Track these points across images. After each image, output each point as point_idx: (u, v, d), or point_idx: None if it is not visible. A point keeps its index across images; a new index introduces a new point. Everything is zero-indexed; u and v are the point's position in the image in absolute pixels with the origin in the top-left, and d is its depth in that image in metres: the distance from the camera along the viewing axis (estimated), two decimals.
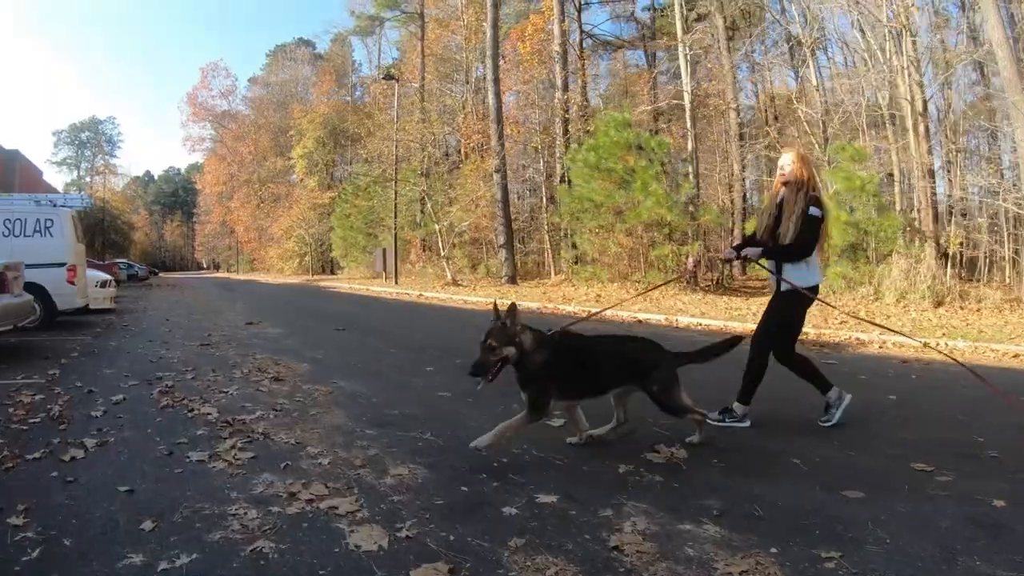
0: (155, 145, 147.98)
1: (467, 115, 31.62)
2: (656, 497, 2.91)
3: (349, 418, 4.42)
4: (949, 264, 14.99)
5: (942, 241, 15.17)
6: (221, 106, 64.25)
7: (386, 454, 3.60)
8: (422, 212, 32.64)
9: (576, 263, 22.17)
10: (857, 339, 8.44)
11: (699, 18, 27.37)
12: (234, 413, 4.45)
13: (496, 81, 24.42)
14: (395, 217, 27.51)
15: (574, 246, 22.12)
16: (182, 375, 6.00)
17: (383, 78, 30.99)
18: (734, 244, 4.58)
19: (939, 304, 11.60)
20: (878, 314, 10.67)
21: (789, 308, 4.15)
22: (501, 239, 23.92)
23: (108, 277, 14.02)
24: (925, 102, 15.74)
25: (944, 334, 8.48)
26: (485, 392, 3.83)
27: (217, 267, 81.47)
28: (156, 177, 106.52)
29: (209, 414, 4.41)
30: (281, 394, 5.18)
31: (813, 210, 3.96)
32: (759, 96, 27.44)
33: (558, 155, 25.37)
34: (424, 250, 31.53)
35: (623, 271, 19.18)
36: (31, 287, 9.24)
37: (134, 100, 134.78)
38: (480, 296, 18.27)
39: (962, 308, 11.28)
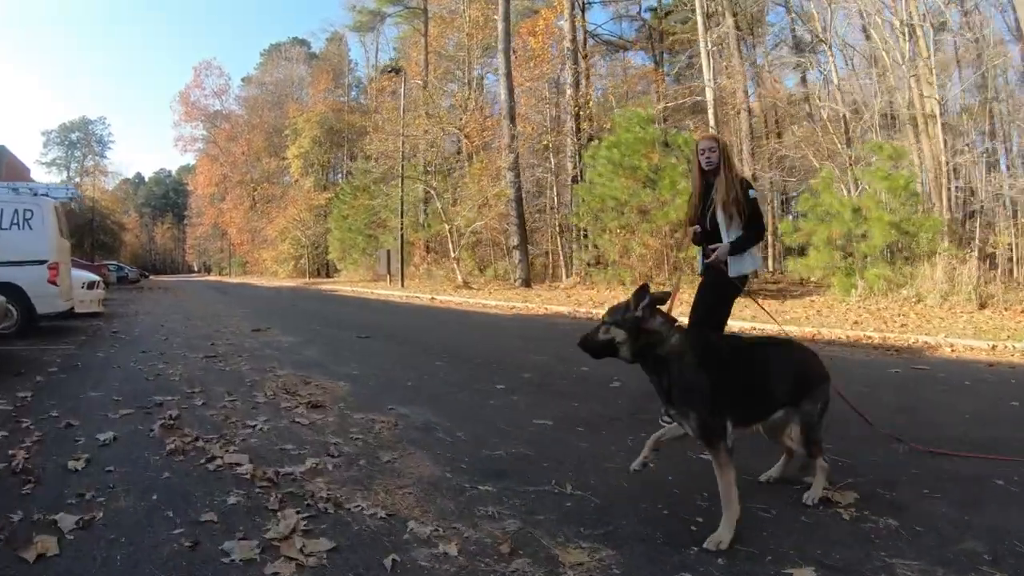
0: (146, 148, 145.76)
1: (471, 112, 30.29)
2: (909, 547, 2.26)
3: (441, 465, 3.17)
4: (989, 265, 13.92)
5: (990, 242, 14.51)
6: (214, 106, 62.74)
7: (533, 526, 2.38)
8: (426, 212, 31.49)
9: (592, 265, 21.18)
10: (925, 343, 7.94)
11: (708, 15, 26.71)
12: (274, 462, 3.17)
13: (508, 76, 23.25)
14: (401, 217, 26.18)
15: (593, 247, 21.00)
16: (189, 399, 4.69)
17: (388, 71, 29.73)
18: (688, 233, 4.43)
19: (983, 306, 10.94)
20: (924, 317, 10.14)
21: (727, 289, 4.07)
22: (515, 240, 22.66)
23: (96, 278, 12.61)
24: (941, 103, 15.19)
25: (1009, 336, 7.91)
26: (587, 414, 2.64)
27: (208, 270, 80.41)
28: (147, 179, 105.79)
29: (239, 465, 3.10)
30: (329, 428, 3.89)
31: (752, 192, 4.03)
32: (760, 97, 26.36)
33: (569, 153, 24.42)
34: (428, 252, 30.18)
35: (646, 273, 18.05)
36: (6, 288, 7.94)
37: (125, 102, 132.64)
38: (499, 300, 17.02)
39: (1006, 310, 10.60)
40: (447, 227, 23.66)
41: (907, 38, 15.91)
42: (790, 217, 22.77)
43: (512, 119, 23.25)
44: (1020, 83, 18.10)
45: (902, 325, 8.96)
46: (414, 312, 14.69)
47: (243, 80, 66.36)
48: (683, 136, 17.86)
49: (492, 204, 23.23)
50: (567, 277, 23.39)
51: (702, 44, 21.43)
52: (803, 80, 26.93)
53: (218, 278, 61.99)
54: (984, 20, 17.54)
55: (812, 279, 14.96)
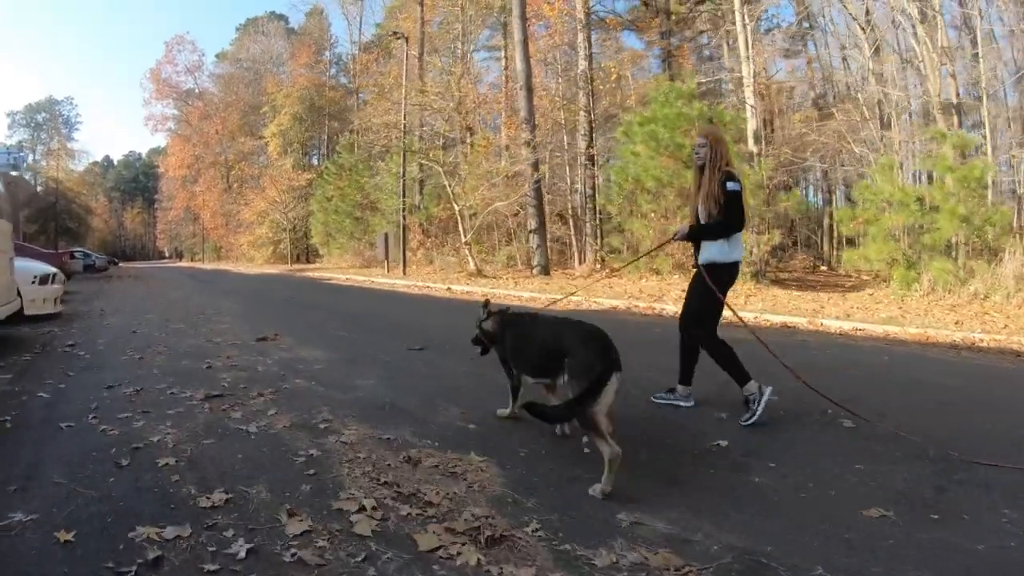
0: (116, 130, 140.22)
1: (467, 86, 27.56)
2: None
3: None
4: None
5: None
6: (187, 83, 59.17)
7: None
8: (422, 193, 28.97)
9: (612, 252, 19.38)
10: None
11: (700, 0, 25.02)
12: None
13: (524, 43, 20.81)
14: (403, 196, 23.54)
15: (618, 231, 18.77)
16: (215, 535, 2.30)
17: (391, 35, 26.90)
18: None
19: None
20: (994, 313, 9.29)
21: (713, 280, 4.04)
22: (533, 223, 20.27)
23: (52, 271, 9.92)
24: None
25: None
26: None
27: (180, 256, 77.60)
28: (116, 162, 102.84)
29: None
30: None
31: (731, 185, 4.00)
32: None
33: (582, 131, 22.24)
34: (427, 236, 27.59)
35: (679, 261, 15.99)
36: None
37: (94, 83, 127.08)
38: (530, 291, 14.68)
39: None
40: (456, 208, 21.06)
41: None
42: (837, 207, 20.99)
43: (529, 90, 20.80)
44: None
45: (1004, 327, 7.99)
46: (443, 308, 12.24)
47: (217, 56, 62.88)
48: (730, 114, 16.65)
49: (509, 184, 20.72)
50: (582, 264, 21.26)
51: (738, 17, 19.17)
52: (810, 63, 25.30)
53: (191, 264, 59.06)
54: None
55: (864, 271, 14.24)
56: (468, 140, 25.15)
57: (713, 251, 4.06)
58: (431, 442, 3.39)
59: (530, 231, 20.62)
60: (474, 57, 31.07)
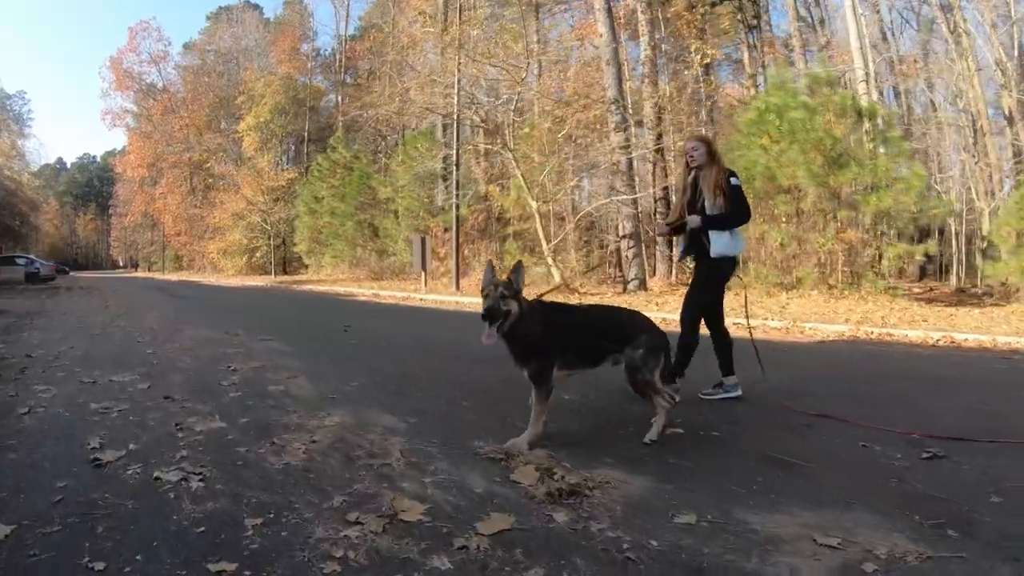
0: (68, 132, 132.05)
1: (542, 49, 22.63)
2: None
3: None
4: None
5: None
6: (150, 75, 52.88)
7: None
8: (446, 190, 24.06)
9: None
10: None
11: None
12: None
13: (608, 10, 16.65)
14: (456, 190, 18.40)
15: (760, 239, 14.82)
16: None
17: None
18: (667, 222, 4.97)
19: None
20: None
21: (716, 273, 4.39)
22: (626, 226, 15.61)
23: None
24: None
25: None
26: None
27: (135, 266, 71.58)
28: (69, 165, 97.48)
29: None
30: None
31: (734, 180, 4.32)
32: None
33: (647, 123, 18.62)
34: (464, 241, 22.58)
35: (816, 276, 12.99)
36: None
37: (46, 81, 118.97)
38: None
39: None
40: (533, 206, 16.05)
41: None
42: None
43: (618, 65, 16.53)
44: None
45: None
46: None
47: (185, 47, 56.68)
48: (877, 106, 13.98)
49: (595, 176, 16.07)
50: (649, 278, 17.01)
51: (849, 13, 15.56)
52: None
53: (149, 274, 53.54)
54: None
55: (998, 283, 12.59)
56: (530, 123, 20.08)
57: (722, 245, 4.28)
58: None
59: (621, 236, 15.96)
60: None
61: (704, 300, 4.42)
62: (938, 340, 7.51)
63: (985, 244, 18.04)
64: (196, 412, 3.94)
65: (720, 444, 3.43)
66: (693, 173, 4.45)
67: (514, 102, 17.11)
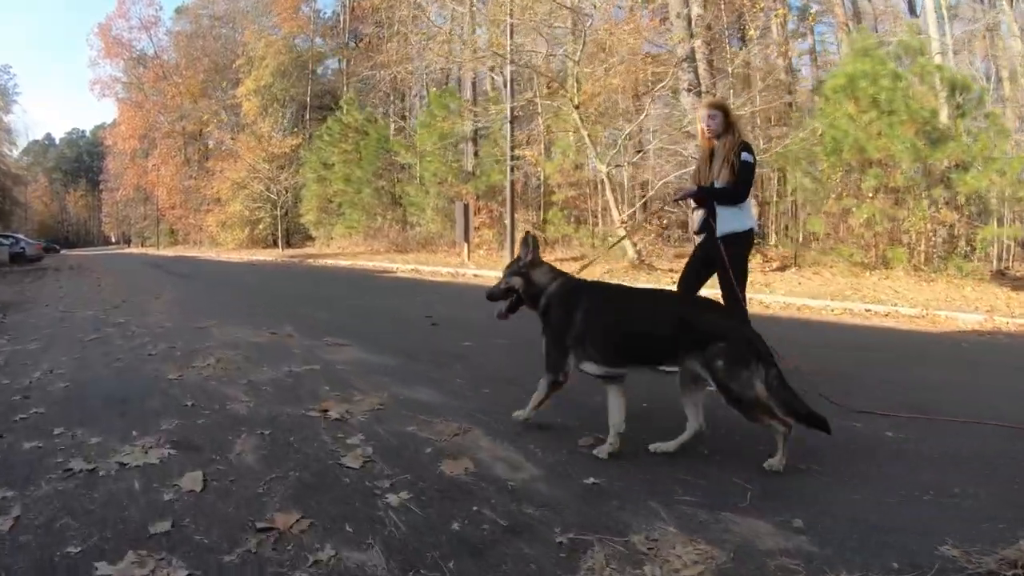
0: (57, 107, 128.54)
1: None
2: None
3: None
4: None
5: None
6: (140, 41, 49.88)
7: None
8: (477, 156, 21.59)
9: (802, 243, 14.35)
10: None
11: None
12: None
13: None
14: (510, 150, 15.78)
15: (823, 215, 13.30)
16: None
17: None
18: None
19: None
20: None
21: (733, 249, 4.10)
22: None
23: None
24: None
25: None
26: None
27: (128, 241, 68.75)
28: (58, 141, 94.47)
29: None
30: None
31: (746, 156, 4.07)
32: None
33: (698, 86, 15.88)
34: (491, 212, 20.08)
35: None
36: None
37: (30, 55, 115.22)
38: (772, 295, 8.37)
39: None
40: (603, 171, 13.60)
41: None
42: None
43: (688, 20, 14.88)
44: None
45: None
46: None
47: (177, 11, 53.43)
48: (970, 80, 12.58)
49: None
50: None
51: None
52: None
53: (143, 250, 51.04)
54: None
55: None
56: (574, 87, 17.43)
57: (730, 221, 4.10)
58: None
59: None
60: None
61: (737, 280, 4.11)
62: None
63: None
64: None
65: None
66: (711, 142, 4.27)
67: (578, 52, 14.43)
